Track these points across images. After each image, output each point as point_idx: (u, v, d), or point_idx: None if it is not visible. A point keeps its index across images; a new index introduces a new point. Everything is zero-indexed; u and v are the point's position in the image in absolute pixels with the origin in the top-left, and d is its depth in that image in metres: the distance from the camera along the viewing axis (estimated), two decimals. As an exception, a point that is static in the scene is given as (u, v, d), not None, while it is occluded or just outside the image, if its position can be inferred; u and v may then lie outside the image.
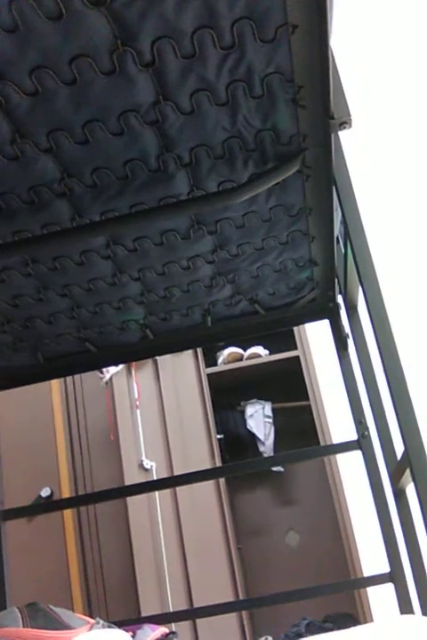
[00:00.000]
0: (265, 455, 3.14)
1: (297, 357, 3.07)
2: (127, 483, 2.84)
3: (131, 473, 2.90)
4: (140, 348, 1.99)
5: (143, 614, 2.64)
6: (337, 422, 2.87)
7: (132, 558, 2.84)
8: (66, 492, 3.11)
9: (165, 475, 2.86)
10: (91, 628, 1.39)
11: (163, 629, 1.35)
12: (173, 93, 1.01)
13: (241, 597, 2.77)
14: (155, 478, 2.84)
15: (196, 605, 2.71)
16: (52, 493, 3.10)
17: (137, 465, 2.91)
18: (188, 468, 2.80)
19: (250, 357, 3.20)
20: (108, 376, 3.03)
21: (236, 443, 3.20)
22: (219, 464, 2.90)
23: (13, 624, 1.30)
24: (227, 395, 3.24)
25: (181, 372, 3.05)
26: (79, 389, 3.29)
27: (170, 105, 1.03)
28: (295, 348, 3.08)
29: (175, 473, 2.85)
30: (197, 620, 2.64)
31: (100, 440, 3.17)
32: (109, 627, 1.43)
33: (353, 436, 1.87)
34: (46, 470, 3.12)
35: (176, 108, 1.04)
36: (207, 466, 2.84)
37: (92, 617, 1.47)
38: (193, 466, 2.81)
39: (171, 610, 2.69)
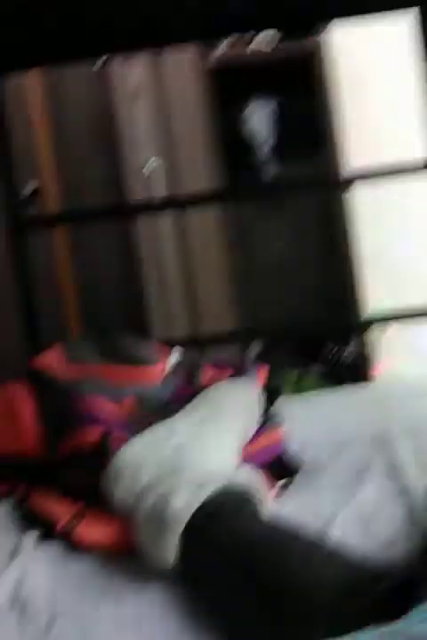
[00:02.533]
0: (264, 160, 2.88)
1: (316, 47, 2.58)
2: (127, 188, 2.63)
3: (130, 177, 2.64)
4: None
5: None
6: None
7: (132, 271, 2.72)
8: (52, 190, 2.78)
9: (164, 179, 2.63)
10: (167, 361, 1.36)
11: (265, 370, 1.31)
12: None
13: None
14: (154, 183, 2.61)
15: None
16: (36, 190, 2.75)
17: (136, 168, 2.64)
18: (189, 171, 2.61)
19: (258, 45, 2.66)
20: (101, 61, 2.56)
21: (234, 144, 2.86)
22: (218, 170, 2.67)
23: (93, 358, 1.30)
24: (228, 89, 2.75)
25: (182, 60, 2.61)
26: (61, 77, 2.74)
27: None
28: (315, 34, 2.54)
29: (176, 179, 2.63)
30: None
31: (90, 136, 2.79)
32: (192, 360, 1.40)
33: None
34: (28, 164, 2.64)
35: None
36: (208, 170, 2.62)
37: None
38: (194, 170, 2.60)
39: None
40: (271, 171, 2.99)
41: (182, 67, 2.65)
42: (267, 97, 2.95)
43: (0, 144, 1.84)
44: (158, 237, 2.71)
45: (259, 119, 2.94)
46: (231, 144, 2.90)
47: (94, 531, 1.00)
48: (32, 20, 1.67)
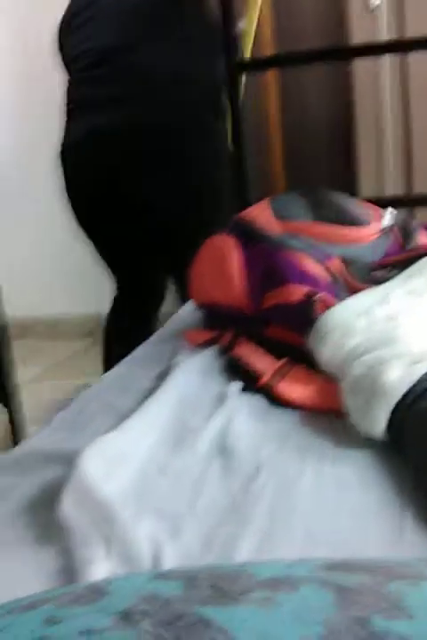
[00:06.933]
0: None
1: None
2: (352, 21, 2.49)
3: (353, 16, 2.49)
4: None
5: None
6: None
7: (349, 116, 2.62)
8: (267, 31, 2.70)
9: (393, 17, 2.43)
10: (378, 222, 1.29)
11: None
12: None
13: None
14: (384, 20, 2.45)
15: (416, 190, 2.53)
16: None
17: (361, 7, 2.48)
18: (416, 10, 2.39)
19: None
20: None
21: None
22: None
23: (302, 215, 1.26)
24: None
25: None
26: None
27: None
28: None
29: (407, 14, 2.43)
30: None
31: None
32: (406, 222, 1.33)
33: None
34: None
35: None
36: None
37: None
38: (422, 8, 2.37)
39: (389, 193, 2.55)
40: None
41: None
42: None
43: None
44: (377, 84, 2.52)
45: None
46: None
47: (296, 388, 0.99)
48: None
